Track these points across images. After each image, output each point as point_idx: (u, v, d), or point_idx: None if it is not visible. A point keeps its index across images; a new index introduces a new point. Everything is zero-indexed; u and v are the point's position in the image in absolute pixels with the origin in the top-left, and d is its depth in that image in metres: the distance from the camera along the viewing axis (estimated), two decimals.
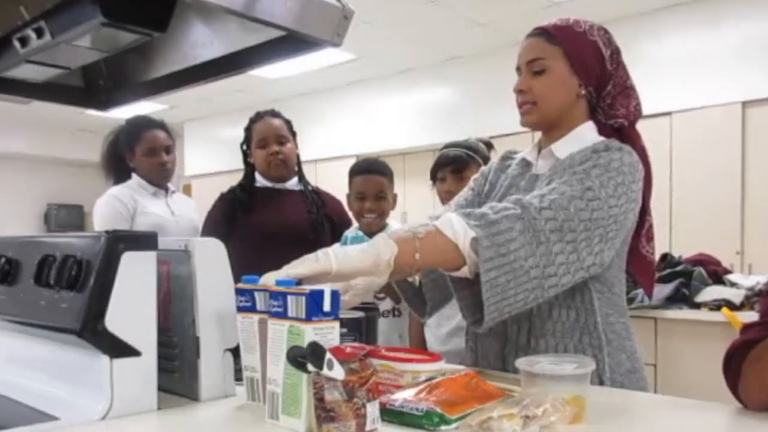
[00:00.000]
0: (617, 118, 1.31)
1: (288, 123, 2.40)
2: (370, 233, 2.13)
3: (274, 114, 2.39)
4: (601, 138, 1.29)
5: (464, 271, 1.14)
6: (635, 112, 1.31)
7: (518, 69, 1.33)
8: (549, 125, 1.32)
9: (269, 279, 0.96)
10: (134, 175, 2.51)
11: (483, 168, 1.53)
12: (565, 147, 1.29)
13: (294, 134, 2.40)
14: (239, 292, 1.00)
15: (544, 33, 1.29)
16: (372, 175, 2.16)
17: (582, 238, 1.13)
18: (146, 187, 2.50)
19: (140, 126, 2.49)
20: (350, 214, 2.49)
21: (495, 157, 2.14)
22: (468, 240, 1.09)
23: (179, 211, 2.56)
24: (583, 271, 1.14)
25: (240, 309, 1.01)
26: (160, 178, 2.51)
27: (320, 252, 1.00)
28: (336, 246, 1.12)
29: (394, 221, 2.25)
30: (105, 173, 2.61)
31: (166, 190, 2.57)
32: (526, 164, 1.39)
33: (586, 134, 1.30)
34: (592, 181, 1.16)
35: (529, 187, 1.32)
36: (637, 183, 1.22)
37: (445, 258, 1.12)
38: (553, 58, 1.27)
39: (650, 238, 1.34)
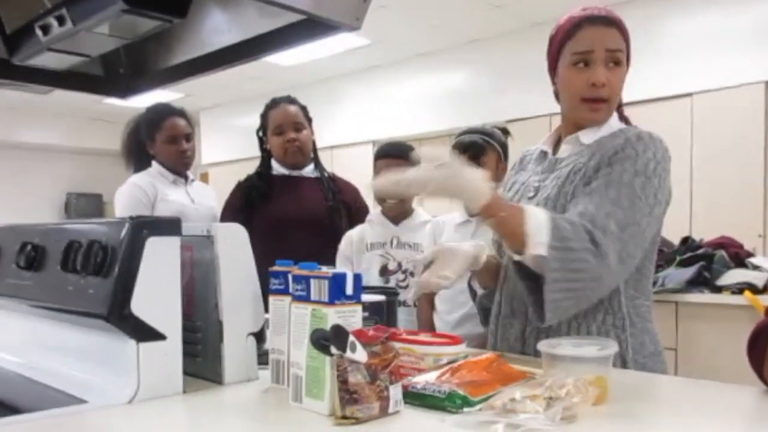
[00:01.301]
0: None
1: (304, 109, 2.40)
2: (393, 217, 2.13)
3: (290, 101, 2.39)
4: (622, 124, 1.34)
5: (523, 256, 1.18)
6: None
7: (587, 53, 1.26)
8: None
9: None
10: (154, 163, 2.53)
11: (506, 176, 1.57)
12: (591, 134, 1.32)
13: (310, 121, 2.40)
14: (274, 275, 1.02)
15: (617, 25, 1.28)
16: (393, 159, 2.10)
17: (635, 257, 1.20)
18: (166, 175, 2.52)
19: (161, 114, 2.50)
20: (367, 200, 2.49)
21: (512, 146, 2.14)
22: (536, 252, 1.13)
23: (199, 199, 2.58)
24: (630, 274, 1.24)
25: (273, 292, 1.02)
26: (180, 165, 2.53)
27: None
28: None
29: (421, 208, 2.24)
30: (125, 161, 2.63)
31: (186, 178, 2.59)
32: (543, 154, 1.43)
33: (612, 121, 1.34)
34: (639, 199, 1.20)
35: (549, 170, 1.35)
36: (669, 172, 1.26)
37: (514, 239, 1.17)
38: (624, 52, 1.29)
39: None
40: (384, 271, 2.11)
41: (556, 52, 1.33)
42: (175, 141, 2.48)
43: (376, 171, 2.19)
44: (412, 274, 2.10)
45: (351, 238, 2.22)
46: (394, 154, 2.16)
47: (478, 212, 1.16)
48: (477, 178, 1.12)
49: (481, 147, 2.09)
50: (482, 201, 1.12)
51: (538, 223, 1.14)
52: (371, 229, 2.21)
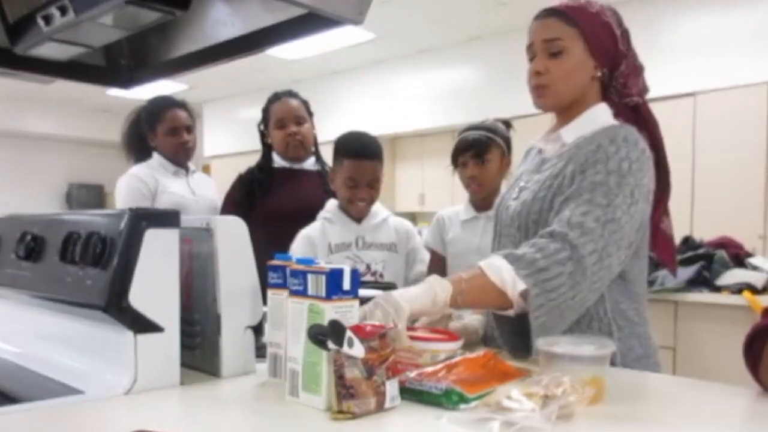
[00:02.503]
0: (632, 96, 1.32)
1: (305, 103, 2.40)
2: (354, 216, 1.97)
3: (292, 95, 2.40)
4: (613, 121, 1.29)
5: (509, 312, 1.18)
6: (644, 88, 1.34)
7: (530, 47, 1.32)
8: (563, 108, 1.33)
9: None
10: (155, 155, 2.53)
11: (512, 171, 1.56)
12: (573, 131, 1.30)
13: (311, 115, 2.41)
14: (272, 269, 1.03)
15: (559, 14, 1.28)
16: (366, 161, 1.90)
17: (615, 256, 1.17)
18: (167, 166, 2.52)
19: (162, 106, 2.50)
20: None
21: (515, 140, 2.13)
22: (517, 290, 1.12)
23: (199, 191, 2.58)
24: (611, 276, 1.20)
25: (271, 285, 1.03)
26: (181, 157, 2.53)
27: (392, 300, 1.04)
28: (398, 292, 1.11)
29: (381, 207, 2.06)
30: (126, 153, 2.63)
31: (187, 169, 2.59)
32: (539, 151, 1.42)
33: (597, 117, 1.30)
34: (616, 196, 1.17)
35: (535, 170, 1.35)
36: (646, 174, 1.22)
37: (491, 302, 1.17)
38: (571, 40, 1.27)
39: (668, 214, 1.36)
40: None
41: None
42: (176, 132, 2.49)
43: (342, 170, 1.93)
44: (381, 276, 1.98)
45: (310, 238, 1.96)
46: (365, 154, 1.92)
47: (452, 305, 1.12)
48: (423, 290, 1.09)
49: (485, 144, 2.08)
50: (449, 294, 1.10)
51: (502, 270, 1.12)
52: (332, 227, 1.97)
